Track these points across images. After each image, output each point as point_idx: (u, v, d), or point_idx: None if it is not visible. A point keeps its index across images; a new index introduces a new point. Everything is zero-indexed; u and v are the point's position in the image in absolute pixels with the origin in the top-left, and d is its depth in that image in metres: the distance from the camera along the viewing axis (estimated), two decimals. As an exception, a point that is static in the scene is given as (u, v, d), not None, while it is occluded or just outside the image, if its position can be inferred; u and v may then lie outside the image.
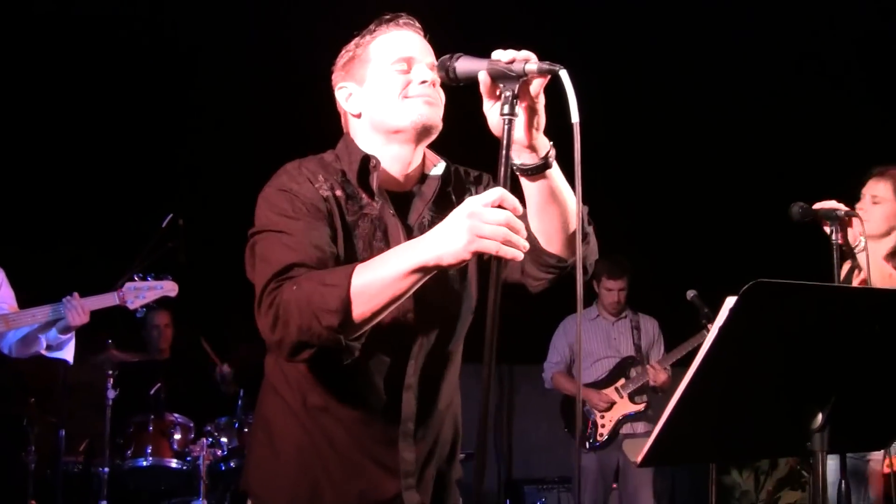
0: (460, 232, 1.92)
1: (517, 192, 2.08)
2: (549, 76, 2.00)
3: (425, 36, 2.38)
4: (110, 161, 6.67)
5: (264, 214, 2.23)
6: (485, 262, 2.33)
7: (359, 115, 2.35)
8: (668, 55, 6.85)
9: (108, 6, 6.24)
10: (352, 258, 2.19)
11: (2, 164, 6.34)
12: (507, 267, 2.26)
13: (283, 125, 5.99)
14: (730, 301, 1.80)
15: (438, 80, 2.24)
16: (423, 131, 2.28)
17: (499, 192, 1.93)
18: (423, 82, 2.27)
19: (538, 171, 2.14)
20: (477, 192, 2.39)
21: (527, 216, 2.21)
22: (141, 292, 4.93)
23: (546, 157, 2.14)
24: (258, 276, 2.12)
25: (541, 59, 2.00)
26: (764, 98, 6.92)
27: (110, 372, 5.62)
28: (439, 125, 2.30)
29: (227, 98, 6.48)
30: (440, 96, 2.30)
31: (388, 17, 2.36)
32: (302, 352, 2.04)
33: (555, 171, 2.17)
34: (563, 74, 1.93)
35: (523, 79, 2.00)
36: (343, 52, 2.40)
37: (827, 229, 3.89)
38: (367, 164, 2.29)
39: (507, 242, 1.90)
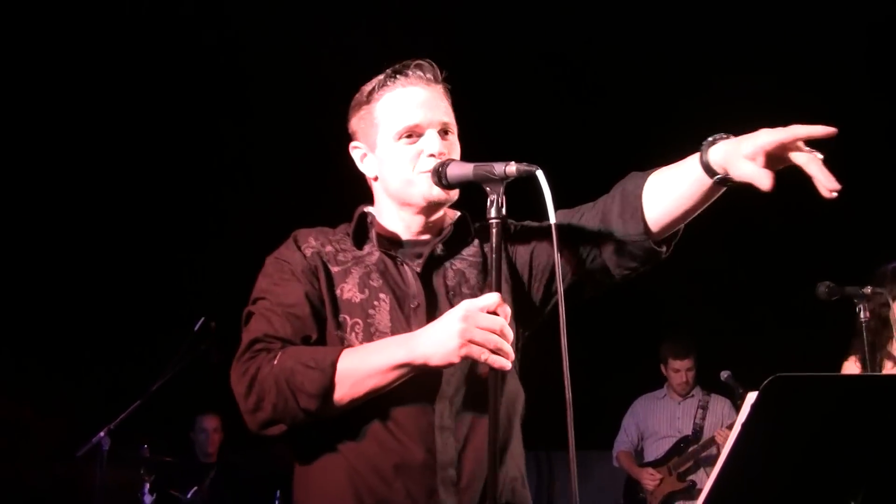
0: (452, 334, 1.94)
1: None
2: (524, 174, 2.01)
3: (441, 75, 2.31)
4: (140, 269, 6.77)
5: (256, 283, 2.30)
6: (522, 293, 2.32)
7: (375, 179, 2.35)
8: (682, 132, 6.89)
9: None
10: (338, 304, 2.19)
11: (32, 275, 6.45)
12: (587, 256, 2.25)
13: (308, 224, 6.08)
14: (751, 396, 1.80)
15: (448, 146, 2.24)
16: (435, 206, 2.28)
17: (494, 298, 1.95)
18: (432, 156, 2.22)
19: (726, 183, 2.08)
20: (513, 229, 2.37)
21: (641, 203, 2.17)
22: None
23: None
24: (242, 341, 2.16)
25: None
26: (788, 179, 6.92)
27: (145, 476, 5.61)
28: (453, 197, 2.26)
29: (252, 199, 6.59)
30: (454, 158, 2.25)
31: (396, 67, 2.30)
32: (271, 427, 2.07)
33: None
34: (540, 175, 1.97)
35: (507, 181, 2.04)
36: (354, 100, 2.36)
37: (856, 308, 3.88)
38: (363, 219, 2.32)
39: (497, 350, 1.92)
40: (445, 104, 2.30)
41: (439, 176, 2.15)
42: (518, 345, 2.32)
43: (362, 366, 2.02)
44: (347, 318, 2.18)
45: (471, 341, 1.93)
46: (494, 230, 2.01)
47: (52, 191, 6.56)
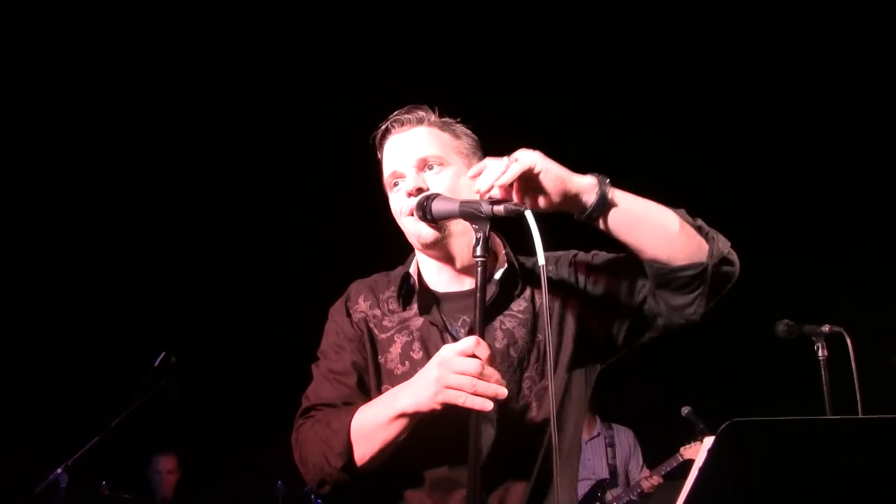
0: (429, 382, 1.96)
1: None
2: (514, 215, 1.99)
3: (433, 111, 2.34)
4: (100, 302, 6.71)
5: (323, 335, 2.38)
6: (590, 329, 2.30)
7: None
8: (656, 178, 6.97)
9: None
10: (381, 373, 2.26)
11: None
12: (661, 316, 2.24)
13: (266, 261, 6.08)
14: (707, 441, 1.81)
15: (433, 178, 2.24)
16: (432, 245, 2.26)
17: (471, 341, 1.95)
18: (410, 194, 2.23)
19: (596, 215, 2.08)
20: (557, 272, 2.35)
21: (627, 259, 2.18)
22: None
23: (591, 207, 2.08)
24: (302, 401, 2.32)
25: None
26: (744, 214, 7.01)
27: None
28: (440, 235, 2.24)
29: (214, 234, 6.57)
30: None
31: (391, 119, 2.34)
32: (323, 487, 2.16)
33: (620, 202, 2.10)
34: (528, 215, 1.93)
35: (492, 219, 2.00)
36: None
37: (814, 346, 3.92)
38: (406, 280, 2.34)
39: (476, 392, 1.92)
40: (428, 139, 2.29)
41: (423, 211, 2.12)
42: (582, 383, 2.32)
43: (370, 420, 2.10)
44: (389, 388, 2.23)
45: (447, 387, 1.93)
46: (479, 269, 1.99)
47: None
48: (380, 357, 2.29)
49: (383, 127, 2.34)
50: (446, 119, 2.37)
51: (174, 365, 5.31)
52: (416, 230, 2.24)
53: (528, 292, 2.32)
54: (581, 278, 2.33)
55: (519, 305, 2.30)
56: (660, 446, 6.36)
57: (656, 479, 6.03)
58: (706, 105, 6.54)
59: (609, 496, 6.22)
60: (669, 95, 6.61)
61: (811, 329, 3.97)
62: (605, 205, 2.07)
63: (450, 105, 2.39)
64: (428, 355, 2.21)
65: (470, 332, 2.17)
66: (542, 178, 2.02)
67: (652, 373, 6.97)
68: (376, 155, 2.38)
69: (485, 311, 1.99)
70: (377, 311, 2.33)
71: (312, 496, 5.92)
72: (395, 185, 2.28)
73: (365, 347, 2.29)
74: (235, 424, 6.55)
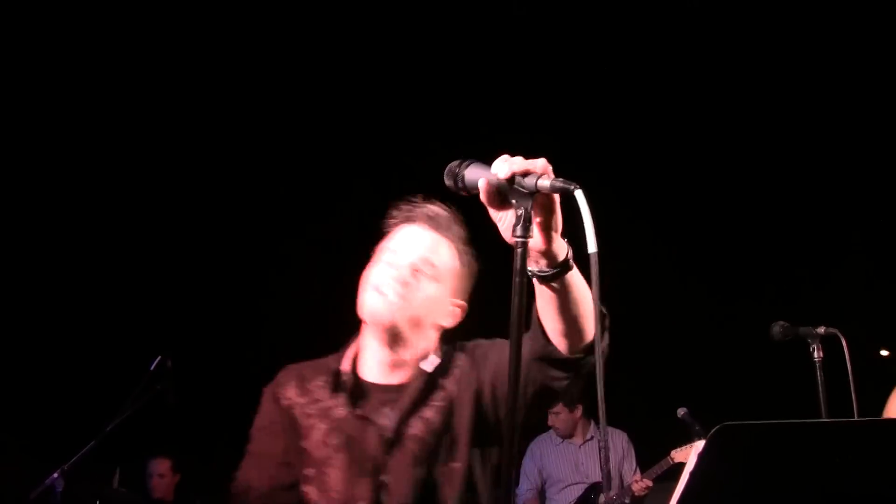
0: None
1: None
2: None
3: (451, 214, 2.35)
4: (96, 304, 6.71)
5: (256, 414, 2.48)
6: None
7: None
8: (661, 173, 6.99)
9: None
10: (302, 458, 2.30)
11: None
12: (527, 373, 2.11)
13: (263, 264, 6.07)
14: (698, 445, 1.82)
15: (417, 277, 2.25)
16: (375, 325, 2.27)
17: None
18: (391, 266, 2.26)
19: (555, 278, 1.96)
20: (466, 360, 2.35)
21: (538, 317, 2.08)
22: None
23: (565, 261, 1.96)
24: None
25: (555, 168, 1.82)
26: (737, 218, 7.02)
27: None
28: (388, 320, 2.25)
29: (211, 237, 6.57)
30: (406, 291, 2.25)
31: (407, 207, 2.35)
32: None
33: (576, 274, 2.00)
34: (579, 195, 1.71)
35: (536, 195, 1.79)
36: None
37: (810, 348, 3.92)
38: (338, 376, 2.36)
39: None
40: (437, 253, 2.31)
41: (455, 178, 1.89)
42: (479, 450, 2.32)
43: None
44: (312, 470, 2.28)
45: None
46: (520, 250, 1.75)
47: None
48: (303, 442, 2.31)
49: (410, 209, 2.36)
50: (462, 234, 2.38)
51: (170, 369, 5.31)
52: (364, 300, 2.27)
53: (453, 375, 2.33)
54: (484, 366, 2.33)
55: (439, 395, 2.31)
56: (657, 448, 6.35)
57: (646, 483, 6.03)
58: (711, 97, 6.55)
59: (601, 499, 6.21)
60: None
61: (806, 331, 3.96)
62: (568, 267, 1.97)
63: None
64: (348, 446, 2.25)
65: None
66: (554, 209, 1.88)
67: (647, 374, 7.01)
68: (386, 203, 2.40)
69: (523, 294, 1.76)
70: (304, 399, 2.36)
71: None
72: (387, 262, 2.30)
73: (293, 433, 2.33)
74: (232, 428, 6.53)
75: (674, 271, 7.30)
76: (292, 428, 2.34)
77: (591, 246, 1.69)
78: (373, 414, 2.29)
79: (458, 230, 2.36)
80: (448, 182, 1.91)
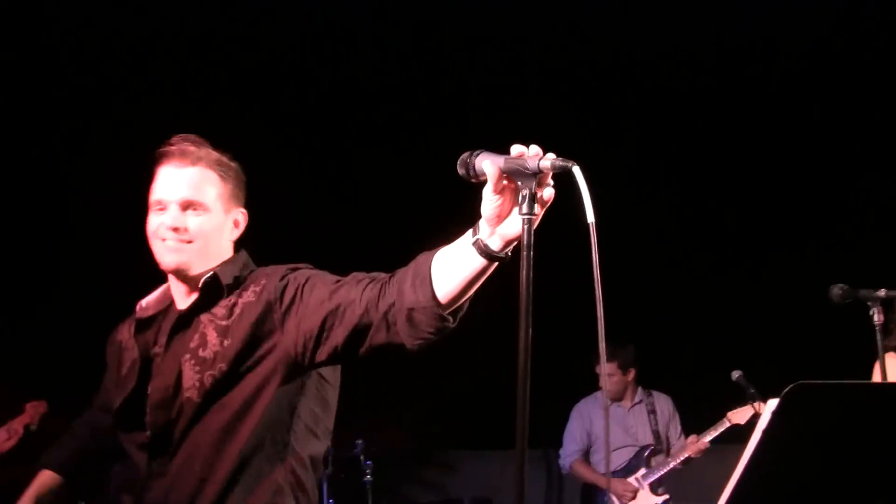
0: None
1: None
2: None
3: (199, 141, 2.50)
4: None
5: None
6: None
7: None
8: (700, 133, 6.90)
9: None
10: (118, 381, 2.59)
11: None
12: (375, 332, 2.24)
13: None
14: (772, 403, 1.80)
15: (193, 226, 2.42)
16: (177, 273, 2.46)
17: None
18: (171, 228, 2.41)
19: (498, 260, 2.10)
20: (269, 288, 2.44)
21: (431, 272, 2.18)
22: None
23: (507, 254, 2.10)
24: None
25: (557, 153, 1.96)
26: (796, 175, 6.93)
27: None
28: (191, 268, 2.43)
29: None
30: (180, 234, 2.42)
31: (174, 146, 2.48)
32: None
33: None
34: (576, 171, 1.89)
35: (539, 175, 1.95)
36: None
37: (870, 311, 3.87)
38: (134, 313, 2.59)
39: None
40: (198, 184, 2.45)
41: (466, 168, 2.05)
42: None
43: None
44: (117, 390, 2.58)
45: None
46: (525, 227, 1.92)
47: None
48: (122, 369, 2.58)
49: (164, 149, 2.49)
50: (221, 158, 2.51)
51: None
52: (162, 256, 2.43)
53: (232, 299, 2.45)
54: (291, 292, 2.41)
55: (220, 311, 2.44)
56: (704, 412, 6.33)
57: (704, 443, 6.01)
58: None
59: (653, 462, 6.20)
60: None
61: (866, 293, 3.88)
62: (507, 258, 2.10)
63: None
64: (135, 378, 2.48)
65: (168, 344, 2.46)
66: (543, 202, 2.00)
67: (701, 337, 6.97)
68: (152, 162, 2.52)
69: (529, 268, 1.90)
70: (120, 337, 2.64)
71: (362, 457, 5.93)
72: (158, 209, 2.45)
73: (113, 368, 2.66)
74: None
75: (729, 233, 7.22)
76: (115, 362, 2.64)
77: (590, 216, 1.87)
78: (159, 336, 2.54)
79: (208, 153, 2.50)
80: (461, 171, 2.07)
